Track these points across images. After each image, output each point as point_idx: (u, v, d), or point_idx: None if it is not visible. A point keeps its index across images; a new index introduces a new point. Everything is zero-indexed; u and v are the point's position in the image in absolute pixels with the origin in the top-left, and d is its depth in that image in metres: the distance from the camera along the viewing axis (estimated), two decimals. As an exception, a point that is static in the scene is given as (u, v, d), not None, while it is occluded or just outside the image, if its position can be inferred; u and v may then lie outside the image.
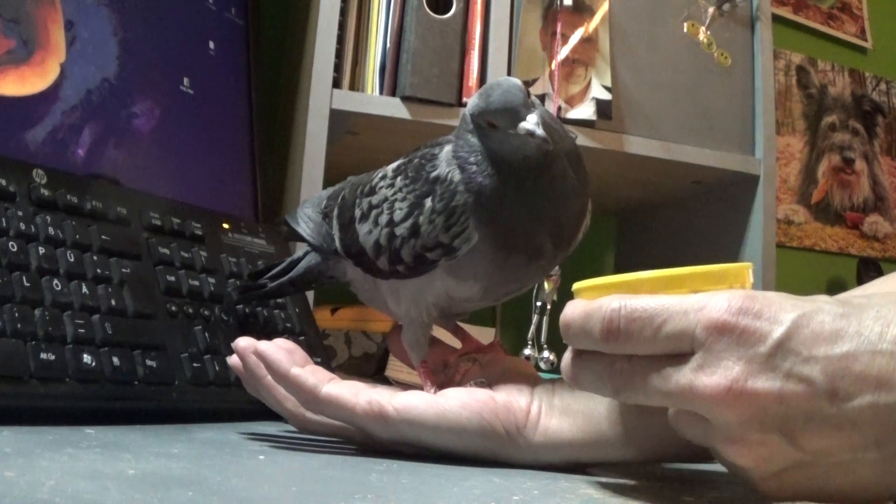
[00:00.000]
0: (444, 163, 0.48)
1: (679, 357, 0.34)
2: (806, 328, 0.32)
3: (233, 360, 0.46)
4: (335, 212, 0.54)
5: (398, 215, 0.48)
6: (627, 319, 0.34)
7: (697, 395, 0.33)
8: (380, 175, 0.52)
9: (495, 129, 0.45)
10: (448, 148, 0.49)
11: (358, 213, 0.51)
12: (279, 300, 0.64)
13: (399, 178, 0.50)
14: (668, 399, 0.34)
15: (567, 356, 0.38)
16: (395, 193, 0.49)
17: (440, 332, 0.54)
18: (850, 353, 0.31)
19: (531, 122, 0.44)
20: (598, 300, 0.36)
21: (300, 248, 0.59)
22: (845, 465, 0.32)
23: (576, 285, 0.38)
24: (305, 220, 0.57)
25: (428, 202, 0.47)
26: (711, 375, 0.32)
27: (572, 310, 0.37)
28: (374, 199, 0.50)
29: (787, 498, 0.34)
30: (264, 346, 0.44)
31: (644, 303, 0.34)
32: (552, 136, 0.44)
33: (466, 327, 0.56)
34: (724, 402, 0.32)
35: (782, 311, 0.33)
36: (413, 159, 0.50)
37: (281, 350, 0.44)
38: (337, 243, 0.53)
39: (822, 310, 0.33)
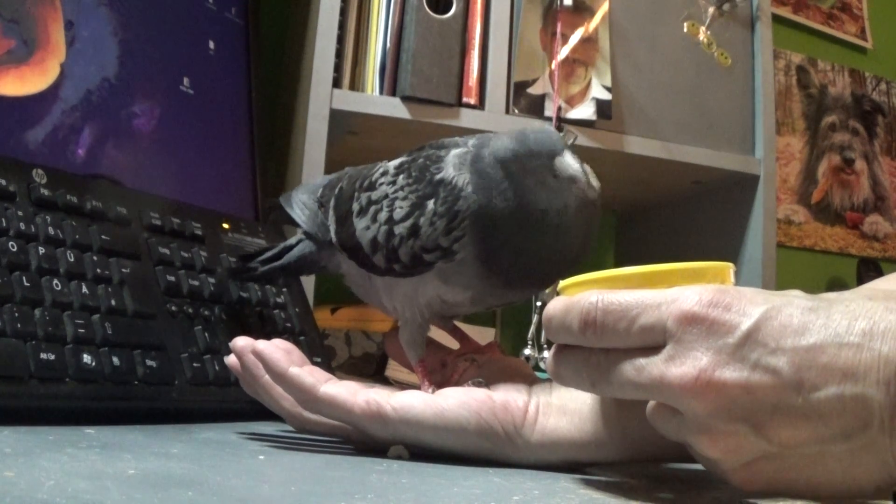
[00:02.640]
0: (451, 166, 0.48)
1: (652, 349, 0.34)
2: (774, 320, 0.33)
3: (230, 359, 0.46)
4: (332, 202, 0.54)
5: (398, 214, 0.48)
6: (604, 312, 0.35)
7: (667, 385, 0.33)
8: (380, 170, 0.51)
9: (529, 175, 0.45)
10: (456, 152, 0.48)
11: (356, 206, 0.51)
12: (279, 300, 0.64)
13: (401, 177, 0.49)
14: (640, 391, 0.35)
15: (550, 352, 0.39)
16: (396, 191, 0.49)
17: (438, 334, 0.54)
18: (816, 345, 0.32)
19: (572, 162, 0.43)
20: (577, 295, 0.37)
21: (296, 233, 0.59)
22: (813, 457, 0.33)
23: (561, 283, 0.39)
24: (300, 207, 0.57)
25: (430, 204, 0.47)
26: (681, 366, 0.33)
27: (553, 305, 0.38)
28: (374, 195, 0.50)
29: (758, 490, 0.34)
30: (262, 345, 0.44)
31: (620, 297, 0.35)
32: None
33: (465, 327, 0.56)
34: (692, 391, 0.33)
35: (752, 305, 0.33)
36: (417, 159, 0.50)
37: (279, 350, 0.44)
38: (332, 235, 0.53)
39: (791, 303, 0.33)
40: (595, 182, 0.45)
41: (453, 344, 0.54)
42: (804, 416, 0.32)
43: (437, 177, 0.47)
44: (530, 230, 0.46)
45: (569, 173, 0.44)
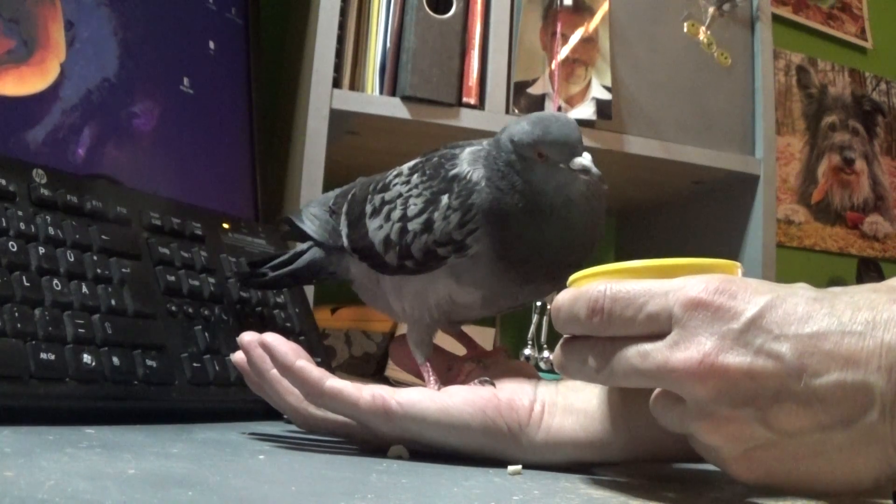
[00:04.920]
0: (465, 162, 0.48)
1: (657, 337, 0.35)
2: (779, 308, 0.33)
3: (237, 356, 0.46)
4: (344, 207, 0.55)
5: (412, 210, 0.49)
6: (612, 300, 0.36)
7: (671, 370, 0.34)
8: (394, 173, 0.52)
9: (543, 161, 0.45)
10: (471, 149, 0.49)
11: (369, 208, 0.52)
12: (279, 300, 0.64)
13: (415, 176, 0.50)
14: (644, 378, 0.35)
15: (558, 345, 0.39)
16: (409, 190, 0.50)
17: (444, 340, 0.54)
18: (819, 333, 0.32)
19: (587, 159, 0.44)
20: (586, 285, 0.37)
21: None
22: (813, 446, 0.33)
23: (571, 277, 0.40)
24: (311, 218, 0.58)
25: (444, 199, 0.47)
26: (685, 351, 0.33)
27: (562, 295, 0.38)
28: (388, 196, 0.51)
29: (758, 479, 0.35)
30: (270, 338, 0.44)
31: (628, 285, 0.36)
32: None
33: (466, 330, 0.56)
34: (695, 376, 0.33)
35: (757, 294, 0.34)
36: (431, 158, 0.50)
37: (286, 343, 0.44)
38: (344, 239, 0.54)
39: (795, 293, 0.34)
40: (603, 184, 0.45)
41: (459, 350, 0.54)
42: (806, 402, 0.32)
43: (452, 172, 0.48)
44: (542, 222, 0.46)
45: (582, 164, 0.44)
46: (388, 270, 0.51)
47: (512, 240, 0.46)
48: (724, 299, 0.34)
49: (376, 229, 0.50)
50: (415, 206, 0.49)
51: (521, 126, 0.46)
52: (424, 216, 0.48)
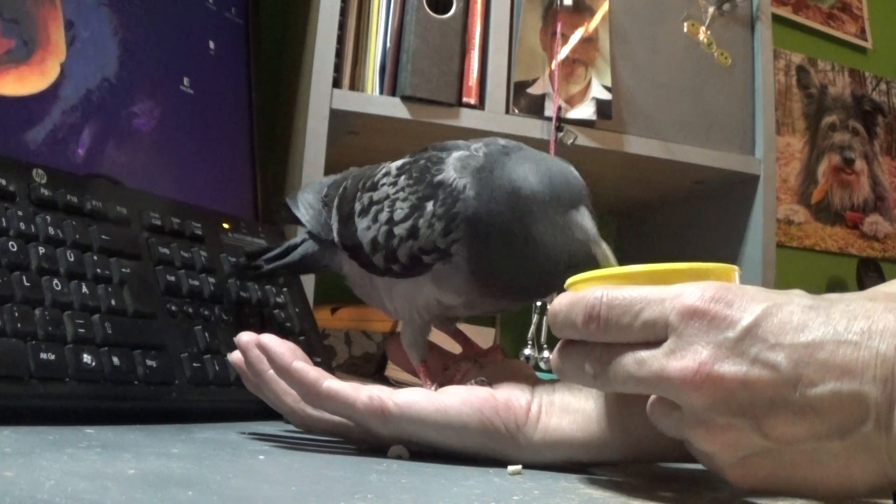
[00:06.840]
0: (452, 168, 0.48)
1: (654, 344, 0.35)
2: (775, 317, 0.33)
3: (234, 356, 0.46)
4: (335, 202, 0.54)
5: (398, 215, 0.48)
6: (608, 307, 0.36)
7: (667, 378, 0.34)
8: (383, 171, 0.52)
9: (540, 215, 0.44)
10: (457, 154, 0.48)
11: (358, 206, 0.51)
12: (279, 300, 0.64)
13: (402, 178, 0.49)
14: (640, 385, 0.35)
15: (555, 348, 0.39)
16: (396, 192, 0.49)
17: (440, 337, 0.54)
18: (815, 342, 0.32)
19: (589, 227, 0.44)
20: (582, 290, 0.37)
21: (299, 233, 0.60)
22: (809, 454, 0.33)
23: (568, 280, 0.39)
24: (306, 206, 0.58)
25: (429, 206, 0.47)
26: (681, 359, 0.33)
27: (559, 300, 0.38)
28: (376, 196, 0.50)
29: (754, 485, 0.35)
30: (267, 339, 0.44)
31: (625, 292, 0.36)
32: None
33: (464, 328, 0.56)
34: (691, 384, 0.33)
35: (753, 301, 0.34)
36: (419, 160, 0.50)
37: (283, 344, 0.44)
38: (334, 234, 0.54)
39: (792, 301, 0.34)
40: (610, 256, 0.44)
41: (455, 348, 0.54)
42: (801, 411, 0.32)
43: (437, 178, 0.48)
44: (519, 250, 0.45)
45: (584, 231, 0.44)
46: (377, 271, 0.51)
47: (486, 257, 0.46)
48: (721, 307, 0.33)
49: (365, 229, 0.50)
50: (401, 210, 0.48)
51: (523, 172, 0.45)
52: (410, 222, 0.48)
